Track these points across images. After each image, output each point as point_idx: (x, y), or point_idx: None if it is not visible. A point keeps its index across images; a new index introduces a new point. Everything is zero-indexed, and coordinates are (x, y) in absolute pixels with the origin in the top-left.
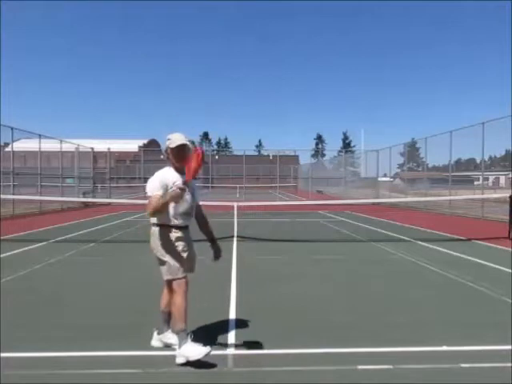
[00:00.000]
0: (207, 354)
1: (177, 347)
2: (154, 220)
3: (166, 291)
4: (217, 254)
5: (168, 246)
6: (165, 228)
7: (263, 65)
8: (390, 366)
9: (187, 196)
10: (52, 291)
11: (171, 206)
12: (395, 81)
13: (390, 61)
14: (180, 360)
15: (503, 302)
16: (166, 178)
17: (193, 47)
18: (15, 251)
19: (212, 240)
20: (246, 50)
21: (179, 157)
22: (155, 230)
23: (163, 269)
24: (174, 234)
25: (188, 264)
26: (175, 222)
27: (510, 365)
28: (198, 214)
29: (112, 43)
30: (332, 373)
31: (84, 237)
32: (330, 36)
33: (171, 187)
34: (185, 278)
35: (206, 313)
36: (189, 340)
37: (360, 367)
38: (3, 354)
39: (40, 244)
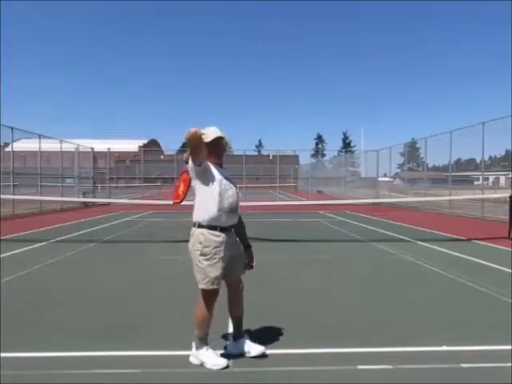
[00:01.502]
0: (224, 368)
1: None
2: (194, 219)
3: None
4: (250, 263)
5: (207, 251)
6: (205, 229)
7: (263, 65)
8: (390, 366)
9: (231, 190)
10: (52, 291)
11: (214, 199)
12: (395, 81)
13: (390, 61)
14: (193, 360)
15: (503, 301)
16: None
17: (193, 47)
18: (15, 251)
19: (247, 246)
20: (246, 50)
21: (216, 151)
22: (194, 230)
23: (197, 275)
24: (216, 239)
25: (232, 271)
26: (218, 222)
27: (510, 365)
28: None
29: (112, 43)
30: (332, 373)
31: (84, 237)
32: (329, 36)
33: (218, 180)
34: (216, 289)
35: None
36: (208, 348)
37: (360, 367)
38: (3, 354)
39: (40, 244)
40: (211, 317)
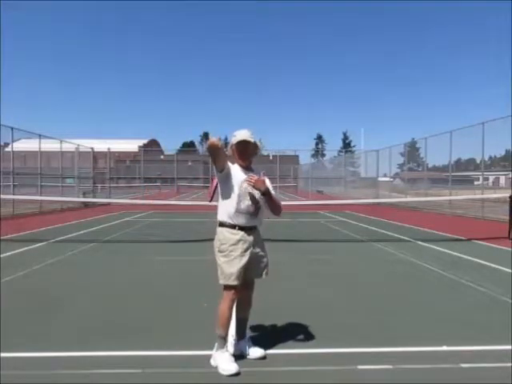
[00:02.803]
0: (233, 375)
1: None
2: (218, 219)
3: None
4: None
5: (224, 248)
6: (225, 227)
7: (263, 64)
8: (390, 366)
9: (249, 192)
10: (52, 291)
11: (232, 201)
12: (395, 80)
13: (390, 60)
14: (212, 362)
15: (503, 301)
16: (233, 167)
17: (193, 47)
18: (15, 251)
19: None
20: (246, 50)
21: (241, 154)
22: (217, 229)
23: (218, 271)
24: (233, 237)
25: (246, 271)
26: (236, 221)
27: (509, 365)
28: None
29: (112, 43)
30: (332, 373)
31: (84, 237)
32: (329, 35)
33: (239, 183)
34: (235, 286)
35: (206, 312)
36: (225, 349)
37: (360, 367)
38: (3, 354)
39: (40, 244)
40: (230, 317)
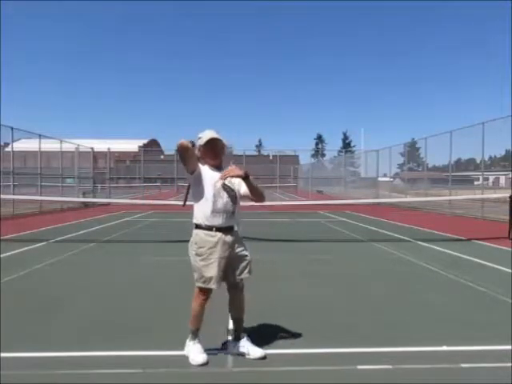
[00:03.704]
0: (200, 365)
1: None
2: (193, 221)
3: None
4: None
5: (202, 251)
6: (201, 230)
7: (263, 64)
8: (390, 366)
9: (224, 192)
10: (52, 291)
11: (207, 202)
12: (395, 80)
13: (390, 60)
14: (185, 352)
15: (503, 301)
16: (203, 168)
17: (193, 47)
18: (15, 251)
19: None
20: (246, 50)
21: (211, 153)
22: (193, 231)
23: (194, 274)
24: (211, 239)
25: (229, 272)
26: (213, 222)
27: (509, 365)
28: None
29: (112, 43)
30: (332, 373)
31: (84, 237)
32: (330, 35)
33: (212, 182)
34: (211, 289)
35: (206, 312)
36: (197, 341)
37: (360, 367)
38: (3, 354)
39: (40, 244)
40: (203, 312)
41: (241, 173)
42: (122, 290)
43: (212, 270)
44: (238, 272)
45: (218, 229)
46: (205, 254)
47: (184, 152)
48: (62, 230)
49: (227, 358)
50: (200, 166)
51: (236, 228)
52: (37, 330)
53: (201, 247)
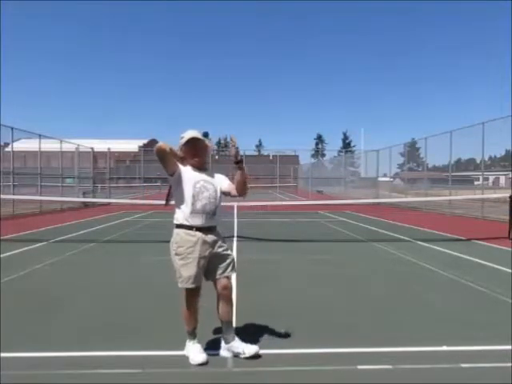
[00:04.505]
0: (199, 364)
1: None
2: (174, 221)
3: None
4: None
5: (181, 250)
6: (182, 229)
7: (263, 64)
8: (390, 366)
9: (206, 192)
10: (52, 291)
11: (187, 203)
12: (395, 80)
13: (390, 60)
14: (185, 352)
15: (503, 301)
16: (185, 169)
17: (193, 47)
18: (15, 251)
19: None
20: (246, 50)
21: (192, 153)
22: (174, 231)
23: (176, 275)
24: (191, 238)
25: (212, 272)
26: (193, 222)
27: (509, 365)
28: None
29: (112, 43)
30: (332, 373)
31: (84, 237)
32: (330, 35)
33: (193, 183)
34: (194, 289)
35: (206, 312)
36: (196, 341)
37: (360, 367)
38: (3, 354)
39: (40, 244)
40: (195, 312)
41: (238, 157)
42: (121, 290)
43: (190, 270)
44: (221, 270)
45: (198, 229)
46: (184, 254)
47: (162, 155)
48: (61, 229)
49: (227, 357)
50: (181, 167)
51: (217, 228)
52: (37, 330)
53: (180, 246)
